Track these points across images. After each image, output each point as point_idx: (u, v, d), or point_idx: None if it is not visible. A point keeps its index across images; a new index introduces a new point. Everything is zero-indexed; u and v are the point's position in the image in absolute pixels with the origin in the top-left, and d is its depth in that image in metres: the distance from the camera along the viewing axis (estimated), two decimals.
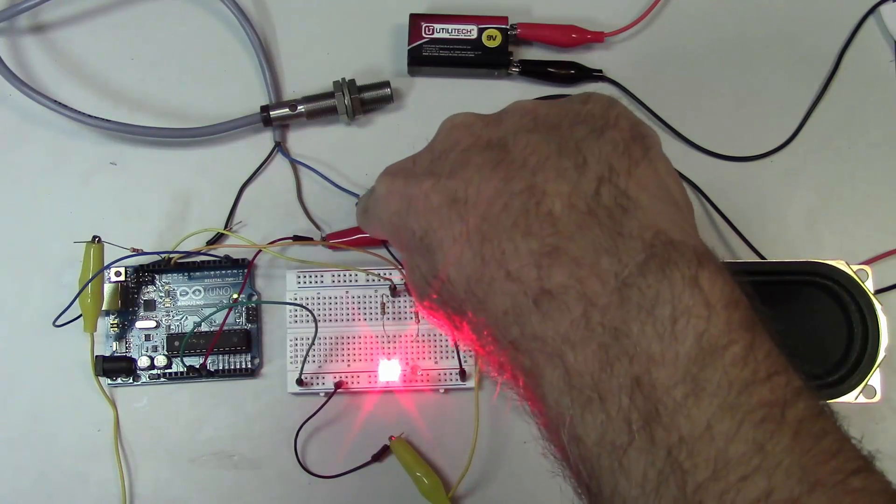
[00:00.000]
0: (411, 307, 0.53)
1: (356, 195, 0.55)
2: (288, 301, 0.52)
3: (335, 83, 0.55)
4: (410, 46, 0.56)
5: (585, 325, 0.30)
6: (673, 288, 0.30)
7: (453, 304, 0.35)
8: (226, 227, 0.55)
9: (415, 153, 0.39)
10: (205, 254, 0.54)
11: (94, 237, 0.52)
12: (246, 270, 0.54)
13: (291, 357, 0.52)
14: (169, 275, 0.54)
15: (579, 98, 0.36)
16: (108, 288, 0.53)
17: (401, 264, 0.51)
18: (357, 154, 0.56)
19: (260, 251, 0.54)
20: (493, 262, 0.33)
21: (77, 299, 0.51)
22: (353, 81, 0.55)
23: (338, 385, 0.52)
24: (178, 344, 0.53)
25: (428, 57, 0.56)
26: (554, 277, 0.31)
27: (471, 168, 0.35)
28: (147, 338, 0.54)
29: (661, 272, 0.30)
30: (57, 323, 0.52)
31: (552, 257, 0.32)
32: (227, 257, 0.54)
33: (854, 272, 0.48)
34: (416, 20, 0.56)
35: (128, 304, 0.54)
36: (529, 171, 0.34)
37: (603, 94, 0.36)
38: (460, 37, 0.56)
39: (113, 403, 0.53)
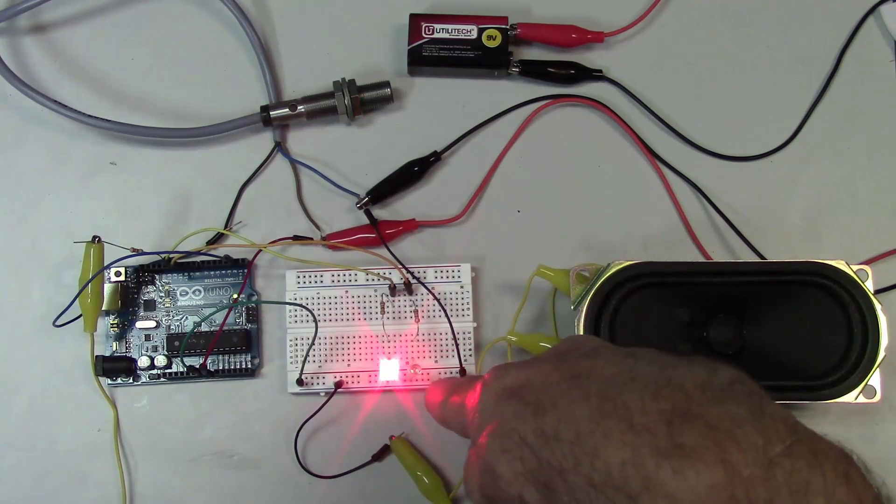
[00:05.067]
0: (411, 306, 0.53)
1: (356, 195, 0.55)
2: (288, 301, 0.52)
3: (335, 83, 0.55)
4: (410, 46, 0.56)
5: (730, 496, 0.29)
6: (825, 479, 0.29)
7: (553, 461, 0.33)
8: (226, 227, 0.55)
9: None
10: (205, 254, 0.54)
11: (94, 237, 0.52)
12: (246, 270, 0.54)
13: (291, 357, 0.52)
14: (169, 275, 0.54)
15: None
16: (108, 288, 0.53)
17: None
18: (357, 154, 0.56)
19: (260, 251, 0.54)
20: (614, 416, 0.32)
21: (77, 299, 0.51)
22: (353, 81, 0.55)
23: (338, 385, 0.52)
24: (178, 344, 0.53)
25: (428, 57, 0.56)
26: (687, 434, 0.30)
27: (599, 358, 0.35)
28: (147, 338, 0.54)
29: (813, 458, 0.29)
30: (57, 323, 0.52)
31: (685, 417, 0.31)
32: (227, 257, 0.54)
33: (854, 272, 0.48)
34: (416, 20, 0.56)
35: (128, 304, 0.54)
36: (660, 365, 0.34)
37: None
38: (460, 37, 0.56)
39: (113, 403, 0.53)
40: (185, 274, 0.54)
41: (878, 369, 0.48)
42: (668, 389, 0.32)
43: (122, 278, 0.53)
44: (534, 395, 0.35)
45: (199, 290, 0.54)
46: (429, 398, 0.48)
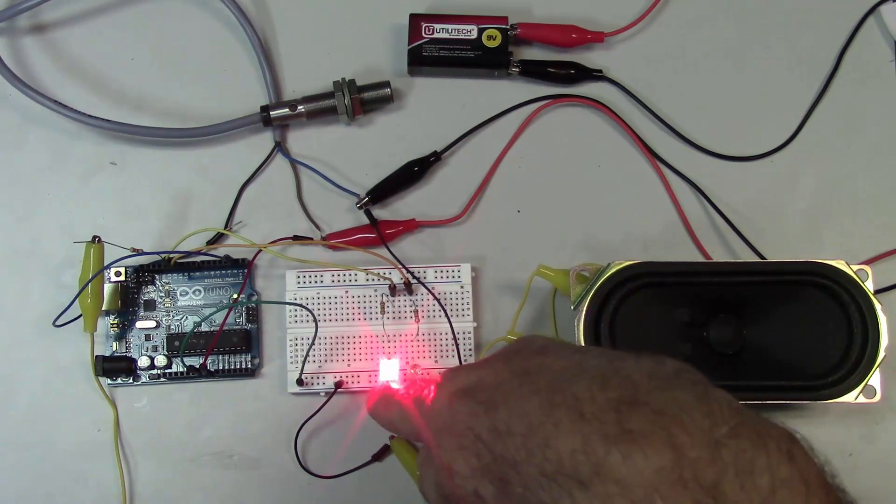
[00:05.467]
0: (411, 306, 0.53)
1: (356, 195, 0.55)
2: (288, 301, 0.52)
3: (335, 83, 0.55)
4: (410, 46, 0.56)
5: (678, 478, 0.29)
6: (770, 458, 0.30)
7: (507, 455, 0.33)
8: (226, 227, 0.55)
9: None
10: (205, 254, 0.54)
11: (94, 237, 0.52)
12: (246, 270, 0.54)
13: (291, 357, 0.52)
14: (169, 275, 0.54)
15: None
16: (108, 288, 0.53)
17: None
18: (357, 154, 0.56)
19: (260, 251, 0.54)
20: (564, 406, 0.32)
21: (77, 299, 0.51)
22: (353, 81, 0.55)
23: (338, 385, 0.52)
24: (178, 344, 0.53)
25: (428, 57, 0.56)
26: (635, 420, 0.31)
27: (548, 354, 0.36)
28: (147, 338, 0.54)
29: (757, 438, 0.30)
30: (57, 323, 0.52)
31: (632, 405, 0.31)
32: (227, 257, 0.54)
33: (854, 272, 0.48)
34: (416, 20, 0.56)
35: (128, 304, 0.54)
36: (608, 358, 0.35)
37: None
38: (460, 37, 0.56)
39: (113, 403, 0.53)
40: (185, 274, 0.54)
41: (878, 369, 0.47)
42: (616, 379, 0.33)
43: (122, 278, 0.53)
44: (486, 394, 0.36)
45: (199, 290, 0.54)
46: (372, 407, 0.47)
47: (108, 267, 0.52)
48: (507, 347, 0.40)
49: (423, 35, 0.56)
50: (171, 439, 0.53)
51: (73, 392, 0.53)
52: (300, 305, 0.52)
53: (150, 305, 0.54)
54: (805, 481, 0.30)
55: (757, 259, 0.54)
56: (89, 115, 0.54)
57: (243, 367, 0.53)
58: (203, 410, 0.53)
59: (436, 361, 0.52)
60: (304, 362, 0.51)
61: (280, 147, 0.56)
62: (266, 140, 0.56)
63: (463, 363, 0.41)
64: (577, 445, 0.31)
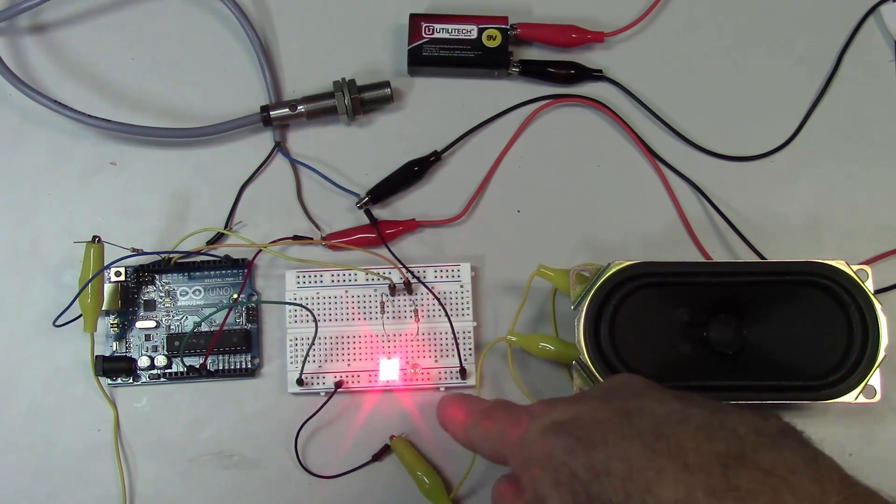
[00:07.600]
0: (411, 306, 0.53)
1: (356, 195, 0.55)
2: (288, 301, 0.52)
3: (335, 83, 0.55)
4: (410, 46, 0.56)
5: None
6: None
7: (604, 496, 0.33)
8: (226, 227, 0.55)
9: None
10: (205, 254, 0.54)
11: (94, 237, 0.52)
12: (246, 270, 0.54)
13: (291, 357, 0.52)
14: (169, 275, 0.54)
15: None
16: (108, 288, 0.53)
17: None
18: (357, 154, 0.56)
19: (260, 251, 0.54)
20: (667, 454, 0.32)
21: (77, 299, 0.51)
22: (353, 81, 0.55)
23: (338, 385, 0.52)
24: (178, 344, 0.53)
25: (428, 57, 0.56)
26: (742, 477, 0.30)
27: (648, 397, 0.36)
28: (147, 338, 0.54)
29: None
30: (57, 323, 0.52)
31: (740, 461, 0.31)
32: (227, 257, 0.54)
33: (854, 272, 0.48)
34: (416, 20, 0.56)
35: (128, 304, 0.54)
36: (711, 409, 0.34)
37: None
38: (460, 37, 0.56)
39: (113, 403, 0.53)
40: (185, 274, 0.54)
41: (878, 369, 0.47)
42: (722, 432, 0.32)
43: (122, 278, 0.53)
44: (583, 431, 0.35)
45: (199, 290, 0.54)
46: (448, 416, 0.45)
47: (108, 267, 0.52)
48: (603, 385, 0.40)
49: (423, 35, 0.56)
50: (171, 439, 0.53)
51: (73, 392, 0.53)
52: (300, 305, 0.52)
53: (150, 305, 0.54)
54: None
55: (757, 259, 0.54)
56: (89, 115, 0.54)
57: (243, 367, 0.53)
58: (203, 410, 0.53)
59: (436, 361, 0.52)
60: (304, 362, 0.51)
61: (280, 147, 0.56)
62: (266, 140, 0.56)
63: (556, 397, 0.41)
64: (679, 496, 0.31)
